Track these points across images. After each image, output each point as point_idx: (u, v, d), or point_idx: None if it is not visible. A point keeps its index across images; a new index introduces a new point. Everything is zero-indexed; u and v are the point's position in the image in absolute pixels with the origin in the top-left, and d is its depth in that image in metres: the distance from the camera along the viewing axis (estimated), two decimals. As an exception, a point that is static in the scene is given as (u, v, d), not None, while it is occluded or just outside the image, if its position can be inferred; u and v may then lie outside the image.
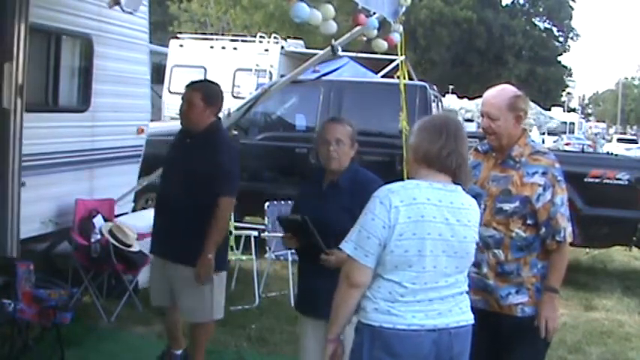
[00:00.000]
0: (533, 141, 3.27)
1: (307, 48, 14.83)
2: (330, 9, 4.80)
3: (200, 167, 3.97)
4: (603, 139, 43.77)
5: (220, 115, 7.29)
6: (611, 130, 61.42)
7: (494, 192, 3.15)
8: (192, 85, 4.17)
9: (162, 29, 28.90)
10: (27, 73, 4.90)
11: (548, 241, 3.10)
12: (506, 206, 3.11)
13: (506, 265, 3.13)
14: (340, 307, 2.53)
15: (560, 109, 45.91)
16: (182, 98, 4.13)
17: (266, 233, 6.43)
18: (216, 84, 4.32)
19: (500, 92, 3.20)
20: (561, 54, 52.53)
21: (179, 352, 4.42)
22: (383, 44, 5.94)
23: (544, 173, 3.10)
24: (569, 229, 3.13)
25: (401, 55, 6.61)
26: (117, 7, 5.48)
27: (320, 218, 3.21)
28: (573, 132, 38.87)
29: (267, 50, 13.30)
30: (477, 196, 3.15)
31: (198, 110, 4.04)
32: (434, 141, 2.53)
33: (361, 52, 11.99)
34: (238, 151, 4.32)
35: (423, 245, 2.45)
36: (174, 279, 4.13)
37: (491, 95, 3.22)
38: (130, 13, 5.91)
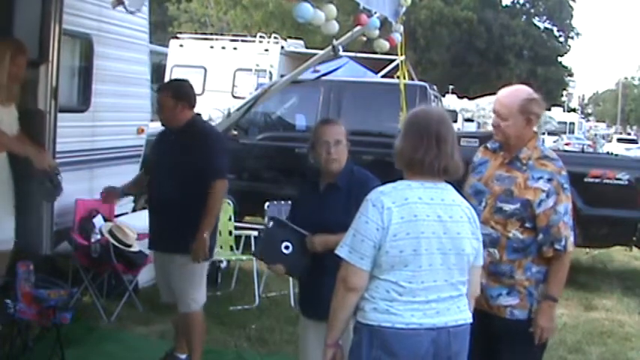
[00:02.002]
0: (543, 145, 3.25)
1: (307, 48, 14.82)
2: (332, 9, 4.80)
3: (189, 159, 4.11)
4: (603, 138, 43.72)
5: (220, 114, 7.32)
6: (611, 130, 61.37)
7: (497, 191, 3.14)
8: (160, 88, 4.38)
9: (162, 29, 28.91)
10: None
11: (545, 247, 3.07)
12: (507, 207, 3.09)
13: (500, 265, 3.11)
14: (338, 312, 2.53)
15: (560, 109, 45.85)
16: (157, 102, 4.29)
17: (266, 233, 6.41)
18: (184, 80, 4.52)
19: (514, 93, 3.17)
20: (562, 55, 52.49)
21: (183, 356, 4.43)
22: (385, 44, 5.93)
23: (549, 179, 3.07)
24: (572, 238, 3.09)
25: (401, 55, 6.61)
26: (120, 8, 5.48)
27: (321, 221, 3.21)
28: (573, 132, 38.83)
29: (267, 50, 13.29)
30: (479, 194, 3.16)
31: (170, 107, 4.20)
32: (416, 148, 2.52)
33: (361, 52, 12.00)
34: (224, 141, 4.52)
35: (417, 244, 2.46)
36: (171, 271, 4.22)
37: (504, 94, 3.19)
38: (132, 12, 5.91)
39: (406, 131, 2.59)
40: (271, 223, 3.40)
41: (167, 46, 14.47)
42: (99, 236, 5.48)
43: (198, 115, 4.38)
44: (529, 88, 3.23)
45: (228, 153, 4.40)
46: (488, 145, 3.34)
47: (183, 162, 4.12)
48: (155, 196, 4.36)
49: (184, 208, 4.07)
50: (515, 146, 3.16)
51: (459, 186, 2.70)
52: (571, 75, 58.44)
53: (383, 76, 10.95)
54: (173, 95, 4.19)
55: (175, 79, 4.55)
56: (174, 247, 4.16)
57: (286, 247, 3.29)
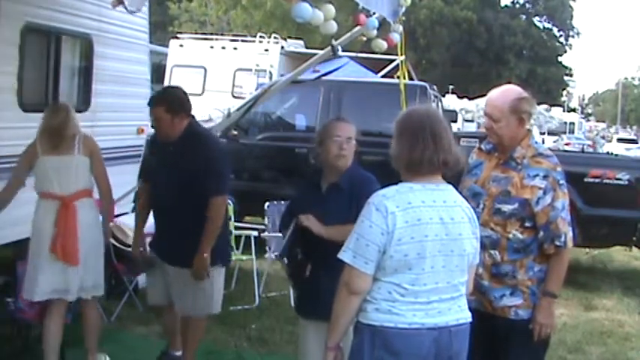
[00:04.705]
0: (536, 142, 3.24)
1: (307, 48, 14.82)
2: (331, 9, 4.79)
3: (192, 171, 3.98)
4: (603, 138, 43.69)
5: (220, 114, 7.26)
6: (611, 130, 61.38)
7: (494, 192, 3.13)
8: (153, 101, 4.14)
9: (162, 29, 28.93)
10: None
11: (546, 245, 3.08)
12: (505, 207, 3.09)
13: (502, 266, 3.11)
14: (340, 315, 2.53)
15: (560, 109, 45.84)
16: (150, 115, 4.13)
17: (266, 233, 6.43)
18: (177, 88, 4.31)
19: (504, 93, 3.16)
20: (562, 54, 52.51)
21: (178, 353, 4.42)
22: (382, 44, 5.93)
23: (545, 176, 3.07)
24: (570, 234, 3.10)
25: (401, 55, 6.61)
26: (120, 7, 5.48)
27: (323, 222, 3.20)
28: (573, 132, 38.82)
29: (267, 50, 13.29)
30: (476, 196, 3.16)
31: (167, 123, 4.04)
32: (413, 148, 2.51)
33: (361, 52, 11.99)
34: (225, 149, 4.33)
35: (421, 248, 2.46)
36: (174, 280, 4.18)
37: (494, 96, 3.18)
38: (133, 12, 5.91)
39: (400, 133, 2.58)
40: (285, 261, 3.43)
41: (167, 46, 14.47)
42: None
43: (193, 118, 4.20)
44: (518, 87, 3.23)
45: (230, 162, 4.30)
46: (482, 146, 3.33)
47: (187, 175, 3.99)
48: (159, 207, 4.27)
49: (186, 221, 4.01)
50: (510, 146, 3.15)
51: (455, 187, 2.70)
52: (571, 75, 58.43)
53: (383, 76, 10.94)
54: (168, 109, 4.01)
55: (166, 88, 4.25)
56: (174, 260, 4.13)
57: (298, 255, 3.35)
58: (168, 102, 4.07)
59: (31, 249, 4.23)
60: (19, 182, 4.31)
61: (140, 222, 4.41)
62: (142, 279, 5.78)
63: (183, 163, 4.02)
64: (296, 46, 14.58)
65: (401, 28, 6.04)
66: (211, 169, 3.99)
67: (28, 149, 4.30)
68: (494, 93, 3.20)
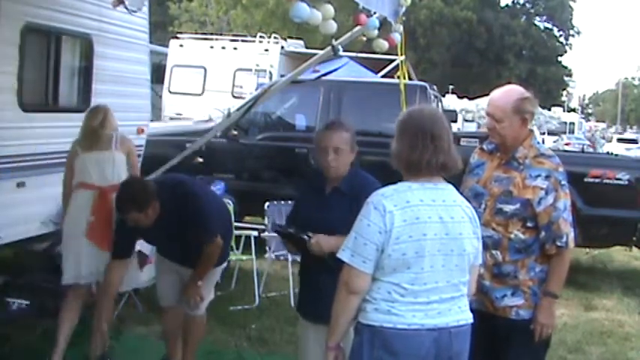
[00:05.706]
0: (538, 143, 3.24)
1: (307, 48, 14.82)
2: (329, 9, 4.79)
3: (184, 231, 4.06)
4: (603, 138, 43.65)
5: (220, 114, 7.24)
6: (611, 130, 61.40)
7: (496, 192, 3.13)
8: (123, 210, 4.01)
9: (162, 29, 28.91)
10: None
11: (548, 245, 3.08)
12: (507, 207, 3.09)
13: (504, 266, 3.11)
14: (340, 315, 2.53)
15: (560, 109, 45.81)
16: (129, 221, 4.03)
17: (266, 233, 6.43)
18: (132, 184, 4.14)
19: (506, 94, 3.16)
20: (562, 54, 52.51)
21: None
22: (384, 44, 5.93)
23: (547, 177, 3.07)
24: (572, 234, 3.10)
25: (401, 55, 6.61)
26: (120, 7, 5.48)
27: (326, 226, 3.18)
28: (573, 132, 38.80)
29: (267, 50, 13.29)
30: (478, 196, 3.15)
31: (144, 218, 3.97)
32: (413, 148, 2.52)
33: (361, 52, 11.99)
34: (200, 189, 4.32)
35: (420, 247, 2.46)
36: (185, 278, 4.26)
37: (496, 96, 3.18)
38: (134, 11, 5.92)
39: (401, 132, 2.59)
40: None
41: (167, 46, 14.47)
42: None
43: (159, 189, 4.07)
44: (520, 87, 3.22)
45: (211, 199, 4.37)
46: (484, 146, 3.32)
47: (186, 235, 4.08)
48: (169, 258, 4.37)
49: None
50: (512, 146, 3.15)
51: (456, 187, 2.70)
52: (571, 75, 58.40)
53: (383, 76, 10.94)
54: (139, 209, 3.92)
55: (123, 190, 4.04)
56: (184, 261, 4.22)
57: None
58: (136, 205, 3.95)
59: (67, 236, 4.50)
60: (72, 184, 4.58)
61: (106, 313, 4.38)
62: (141, 279, 5.77)
63: (172, 227, 4.06)
64: (296, 46, 14.58)
65: (401, 28, 6.05)
66: (196, 224, 4.04)
67: (70, 152, 4.62)
68: (497, 93, 3.19)
